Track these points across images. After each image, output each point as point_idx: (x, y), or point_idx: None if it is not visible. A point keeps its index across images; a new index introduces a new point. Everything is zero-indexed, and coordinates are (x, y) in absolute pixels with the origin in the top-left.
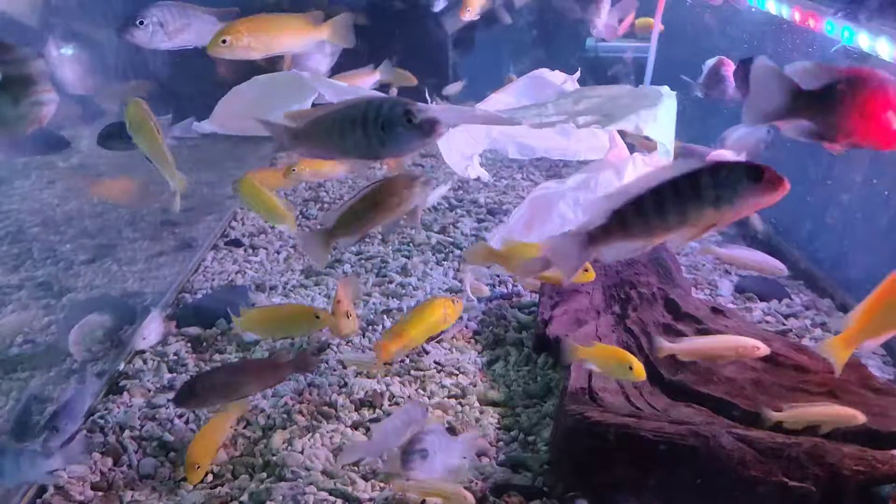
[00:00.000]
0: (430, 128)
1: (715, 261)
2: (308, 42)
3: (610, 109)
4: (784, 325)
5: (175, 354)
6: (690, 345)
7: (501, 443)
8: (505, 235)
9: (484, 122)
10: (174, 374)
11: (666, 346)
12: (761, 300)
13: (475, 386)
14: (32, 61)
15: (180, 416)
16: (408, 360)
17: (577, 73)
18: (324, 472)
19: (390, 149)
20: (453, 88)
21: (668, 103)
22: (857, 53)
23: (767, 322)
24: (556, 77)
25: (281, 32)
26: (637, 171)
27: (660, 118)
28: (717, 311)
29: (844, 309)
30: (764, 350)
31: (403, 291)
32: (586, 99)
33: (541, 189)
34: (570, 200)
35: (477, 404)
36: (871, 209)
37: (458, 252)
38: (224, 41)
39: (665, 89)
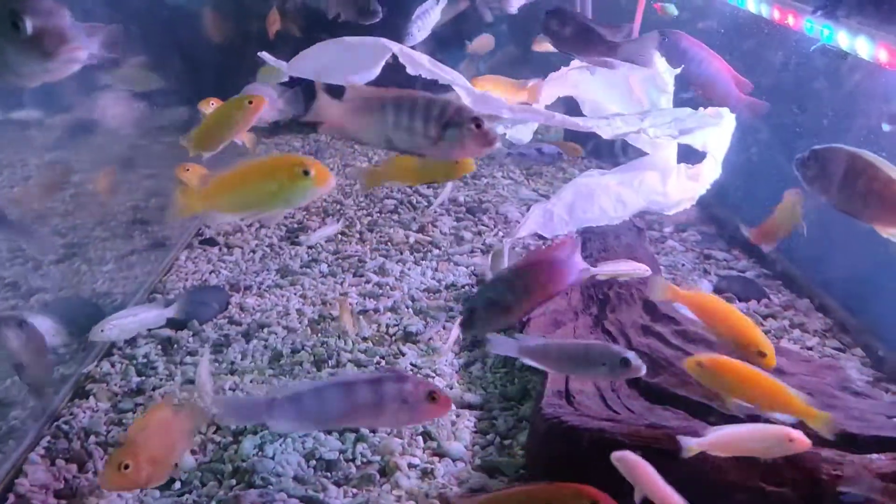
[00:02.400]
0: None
1: (695, 261)
2: None
3: (679, 127)
4: (762, 325)
5: (145, 357)
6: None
7: (477, 447)
8: (544, 214)
9: (544, 120)
10: (143, 378)
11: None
12: (740, 300)
13: (452, 388)
14: (65, 17)
15: None
16: (384, 363)
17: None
18: (295, 479)
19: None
20: None
21: (727, 125)
22: (836, 52)
23: None
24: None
25: None
26: (681, 180)
27: (720, 137)
28: None
29: (823, 310)
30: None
31: (381, 291)
32: (654, 116)
33: (585, 176)
34: (612, 196)
35: (453, 407)
36: None
37: (436, 251)
38: None
39: (725, 111)
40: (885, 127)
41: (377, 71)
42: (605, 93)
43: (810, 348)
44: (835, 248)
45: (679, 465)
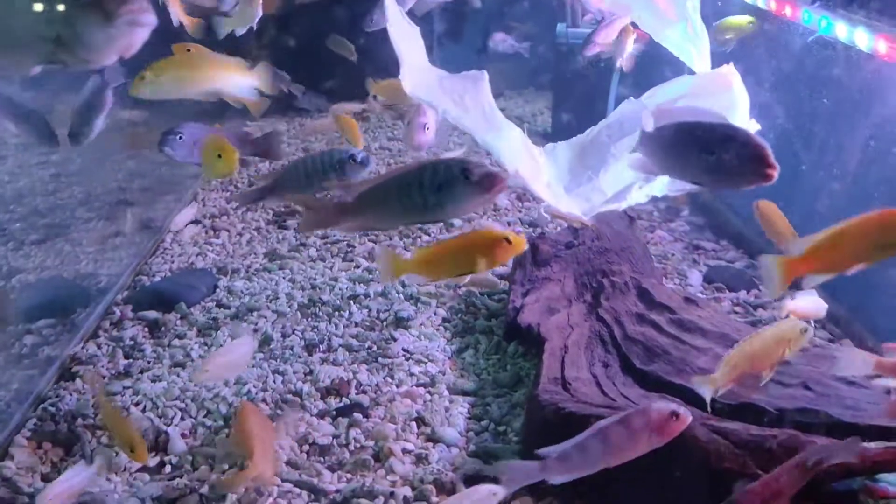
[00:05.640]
0: (490, 183)
1: (684, 251)
2: (240, 86)
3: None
4: (753, 315)
5: (132, 339)
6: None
7: (472, 433)
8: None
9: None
10: (130, 360)
11: None
12: (730, 290)
13: (444, 374)
14: None
15: (136, 405)
16: (375, 348)
17: None
18: (289, 463)
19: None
20: None
21: (737, 87)
22: (833, 43)
23: (736, 312)
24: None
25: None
26: None
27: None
28: (689, 300)
29: None
30: None
31: (371, 276)
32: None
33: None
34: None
35: (447, 393)
36: (856, 200)
37: (426, 238)
38: (143, 77)
39: (729, 69)
40: None
41: None
42: None
43: None
44: None
45: (677, 451)
